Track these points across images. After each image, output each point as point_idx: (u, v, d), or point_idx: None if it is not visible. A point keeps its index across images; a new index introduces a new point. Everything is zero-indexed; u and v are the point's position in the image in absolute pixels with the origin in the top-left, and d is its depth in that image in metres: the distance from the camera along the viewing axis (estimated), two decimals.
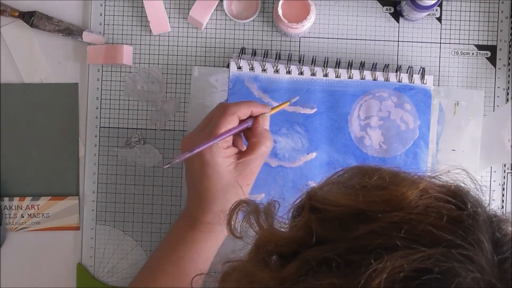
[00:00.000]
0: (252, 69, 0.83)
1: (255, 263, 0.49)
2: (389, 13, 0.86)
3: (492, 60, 0.86)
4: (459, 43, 0.86)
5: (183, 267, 0.72)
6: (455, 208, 0.45)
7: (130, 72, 0.86)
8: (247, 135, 0.75)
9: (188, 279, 0.66)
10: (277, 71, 0.83)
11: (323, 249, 0.45)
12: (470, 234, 0.43)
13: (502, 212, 0.51)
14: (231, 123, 0.70)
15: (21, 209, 0.85)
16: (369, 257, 0.42)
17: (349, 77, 0.83)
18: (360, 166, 0.53)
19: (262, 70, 0.83)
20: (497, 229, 0.46)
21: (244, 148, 0.75)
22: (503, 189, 0.85)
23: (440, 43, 0.86)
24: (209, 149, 0.69)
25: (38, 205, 0.85)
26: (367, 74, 0.83)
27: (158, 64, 0.86)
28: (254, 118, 0.73)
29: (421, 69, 0.83)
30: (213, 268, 0.75)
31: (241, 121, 0.72)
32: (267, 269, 0.48)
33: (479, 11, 0.86)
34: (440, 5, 0.86)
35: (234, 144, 0.74)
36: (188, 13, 0.84)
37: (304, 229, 0.48)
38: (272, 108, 0.76)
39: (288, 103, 0.78)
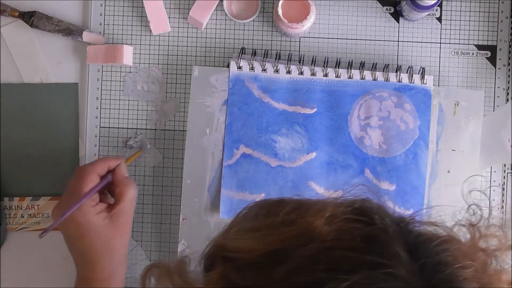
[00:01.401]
0: (252, 69, 0.83)
1: None
2: (389, 13, 0.86)
3: (492, 60, 0.86)
4: (459, 43, 0.86)
5: None
6: (365, 226, 0.45)
7: (130, 72, 0.86)
8: (111, 190, 0.77)
9: None
10: (277, 71, 0.83)
11: None
12: (385, 249, 0.43)
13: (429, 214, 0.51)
14: (92, 181, 0.73)
15: (21, 209, 0.85)
16: None
17: (349, 77, 0.83)
18: (264, 202, 0.52)
19: (262, 70, 0.83)
20: (407, 234, 0.46)
21: (111, 201, 0.77)
22: (503, 189, 0.85)
23: (440, 43, 0.86)
24: (80, 211, 0.71)
25: (38, 205, 0.85)
26: (367, 74, 0.83)
27: (158, 64, 0.86)
28: (112, 171, 0.76)
29: (421, 69, 0.83)
30: None
31: (102, 178, 0.75)
32: None
33: (479, 11, 0.86)
34: (440, 5, 0.86)
35: (101, 201, 0.75)
36: (188, 13, 0.84)
37: (222, 282, 0.46)
38: (127, 159, 0.81)
39: (140, 151, 0.84)
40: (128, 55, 0.84)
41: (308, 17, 0.80)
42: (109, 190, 0.77)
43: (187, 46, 0.86)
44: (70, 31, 0.85)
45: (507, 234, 0.53)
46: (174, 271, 0.51)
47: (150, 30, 0.85)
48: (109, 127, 0.86)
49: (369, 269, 0.41)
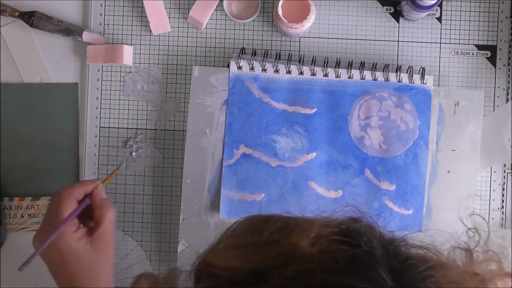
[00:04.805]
0: (252, 69, 0.83)
1: None
2: (389, 13, 0.86)
3: (492, 60, 0.86)
4: (459, 43, 0.86)
5: None
6: (350, 248, 0.44)
7: (130, 72, 0.86)
8: (90, 213, 0.75)
9: None
10: (277, 71, 0.83)
11: None
12: (369, 272, 0.42)
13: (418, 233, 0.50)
14: (70, 206, 0.71)
15: (21, 209, 0.85)
16: None
17: (349, 77, 0.83)
18: (251, 219, 0.52)
19: (262, 70, 0.83)
20: (394, 258, 0.45)
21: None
22: (503, 189, 0.85)
23: (440, 43, 0.86)
24: (61, 238, 0.70)
25: (38, 205, 0.85)
26: (367, 74, 0.83)
27: (158, 64, 0.86)
28: (90, 194, 0.74)
29: (421, 69, 0.83)
30: None
31: (80, 202, 0.73)
32: None
33: (479, 11, 0.86)
34: (440, 5, 0.86)
35: (84, 224, 0.74)
36: (188, 13, 0.84)
37: None
38: (104, 180, 0.78)
39: (117, 170, 0.82)
40: (128, 55, 0.84)
41: (308, 17, 0.80)
42: (88, 213, 0.75)
43: (187, 46, 0.86)
44: (70, 31, 0.85)
45: (506, 260, 0.53)
46: (162, 283, 0.51)
47: (150, 30, 0.85)
48: (109, 127, 0.86)
49: None
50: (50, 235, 0.69)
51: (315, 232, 0.45)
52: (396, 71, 0.83)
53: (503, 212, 0.85)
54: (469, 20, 0.86)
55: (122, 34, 0.86)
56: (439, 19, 0.86)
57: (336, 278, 0.42)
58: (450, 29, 0.86)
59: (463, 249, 0.52)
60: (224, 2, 0.84)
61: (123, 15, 0.86)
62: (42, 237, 0.71)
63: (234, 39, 0.86)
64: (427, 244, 0.49)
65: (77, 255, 0.71)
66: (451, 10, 0.86)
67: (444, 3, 0.85)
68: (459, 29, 0.86)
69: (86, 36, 0.85)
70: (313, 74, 0.83)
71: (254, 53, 0.83)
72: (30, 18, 0.85)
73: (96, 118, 0.86)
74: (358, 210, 0.51)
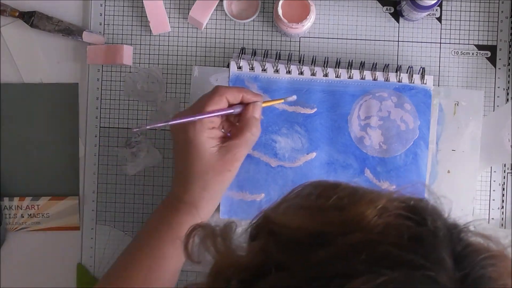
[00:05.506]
0: (252, 69, 0.83)
1: None
2: (389, 13, 0.86)
3: (492, 60, 0.86)
4: (459, 43, 0.86)
5: (163, 250, 0.71)
6: (415, 225, 0.44)
7: (130, 72, 0.86)
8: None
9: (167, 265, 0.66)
10: (277, 71, 0.83)
11: (283, 277, 0.42)
12: (431, 252, 0.42)
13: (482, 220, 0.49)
14: (218, 103, 0.70)
15: (21, 209, 0.85)
16: (330, 285, 0.40)
17: (349, 77, 0.83)
18: (318, 183, 0.51)
19: (262, 70, 0.83)
20: (457, 242, 0.45)
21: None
22: (503, 189, 0.85)
23: (440, 43, 0.86)
24: (193, 126, 0.69)
25: (38, 205, 0.85)
26: (367, 74, 0.83)
27: (158, 64, 0.86)
28: (244, 105, 0.73)
29: (421, 69, 0.83)
30: None
31: (232, 106, 0.72)
32: None
33: (479, 11, 0.86)
34: (440, 5, 0.86)
35: (225, 130, 0.73)
36: (188, 13, 0.84)
37: (262, 254, 0.45)
38: (265, 101, 0.76)
39: (283, 100, 0.79)
40: (128, 55, 0.84)
41: (308, 17, 0.80)
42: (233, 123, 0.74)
43: (187, 46, 0.86)
44: (70, 31, 0.85)
45: None
46: (219, 234, 0.50)
47: (150, 30, 0.85)
48: (109, 127, 0.86)
49: (410, 268, 0.41)
50: (187, 117, 0.68)
51: (383, 204, 0.44)
52: (396, 71, 0.83)
53: (503, 212, 0.85)
54: (469, 20, 0.86)
55: (122, 34, 0.86)
56: (439, 19, 0.86)
57: (398, 252, 0.41)
58: (450, 29, 0.86)
59: None
60: (224, 2, 0.84)
61: (123, 15, 0.86)
62: (179, 115, 0.70)
63: (234, 39, 0.86)
64: (490, 234, 0.48)
65: (200, 151, 0.69)
66: (451, 10, 0.86)
67: (444, 3, 0.85)
68: (459, 29, 0.86)
69: (86, 36, 0.85)
70: (313, 74, 0.83)
71: (254, 53, 0.83)
72: (30, 18, 0.85)
73: (96, 118, 0.86)
74: (427, 190, 0.51)
